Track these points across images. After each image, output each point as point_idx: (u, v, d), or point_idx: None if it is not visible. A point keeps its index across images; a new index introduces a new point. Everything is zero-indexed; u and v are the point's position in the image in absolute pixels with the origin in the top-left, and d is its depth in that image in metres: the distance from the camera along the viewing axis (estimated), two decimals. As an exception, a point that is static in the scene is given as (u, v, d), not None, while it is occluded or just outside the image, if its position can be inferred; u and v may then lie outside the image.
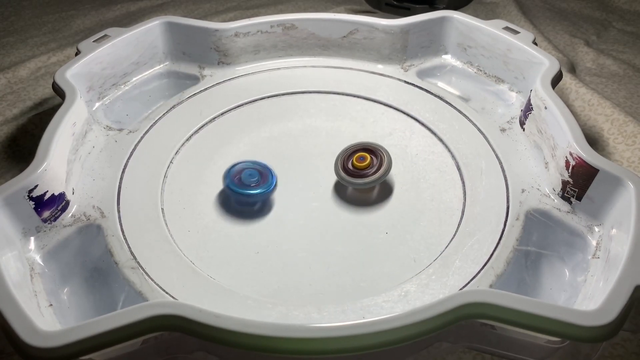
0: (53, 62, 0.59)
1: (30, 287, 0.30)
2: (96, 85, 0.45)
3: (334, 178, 0.40)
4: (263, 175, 0.37)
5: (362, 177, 0.37)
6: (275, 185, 0.37)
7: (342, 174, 0.37)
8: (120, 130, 0.42)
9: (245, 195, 0.36)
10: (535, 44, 0.45)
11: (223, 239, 0.36)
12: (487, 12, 0.70)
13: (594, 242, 0.34)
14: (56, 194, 0.34)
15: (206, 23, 0.48)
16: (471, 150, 0.41)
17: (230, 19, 0.66)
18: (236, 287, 0.32)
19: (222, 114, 0.45)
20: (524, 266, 0.34)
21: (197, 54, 0.49)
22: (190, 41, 0.48)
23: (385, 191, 0.39)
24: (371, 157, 0.37)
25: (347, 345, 0.25)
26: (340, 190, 0.39)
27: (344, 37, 0.49)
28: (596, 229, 0.34)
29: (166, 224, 0.36)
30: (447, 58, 0.50)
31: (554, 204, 0.36)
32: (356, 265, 0.34)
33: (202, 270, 0.33)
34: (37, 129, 0.49)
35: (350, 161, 0.38)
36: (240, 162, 0.38)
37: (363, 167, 0.37)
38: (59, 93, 0.40)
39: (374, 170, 0.37)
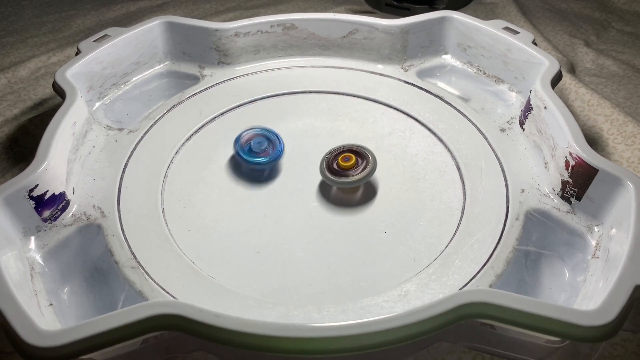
0: (53, 62, 0.59)
1: (31, 286, 0.31)
2: (96, 84, 0.45)
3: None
4: (271, 142, 0.39)
5: (346, 177, 0.37)
6: (282, 152, 0.39)
7: (327, 173, 0.38)
8: (121, 130, 0.42)
9: (254, 163, 0.39)
10: (535, 44, 0.45)
11: (223, 239, 0.36)
12: (487, 12, 0.70)
13: (593, 242, 0.34)
14: (56, 193, 0.34)
15: (206, 23, 0.48)
16: (471, 150, 0.41)
17: (230, 19, 0.66)
18: (236, 286, 0.32)
19: (222, 114, 0.45)
20: (523, 266, 0.34)
21: (197, 54, 0.49)
22: (190, 41, 0.48)
23: (384, 191, 0.39)
24: (356, 158, 0.38)
25: (347, 345, 0.25)
26: (340, 190, 0.39)
27: (344, 37, 0.49)
28: (596, 229, 0.34)
29: (166, 224, 0.36)
30: (447, 58, 0.50)
31: (554, 204, 0.36)
32: (356, 265, 0.34)
33: (202, 270, 0.33)
34: (37, 129, 0.49)
35: (336, 161, 0.38)
36: (249, 129, 0.40)
37: (347, 167, 0.37)
38: (59, 93, 0.40)
39: (358, 170, 0.37)
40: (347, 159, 0.37)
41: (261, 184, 0.39)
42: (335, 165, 0.38)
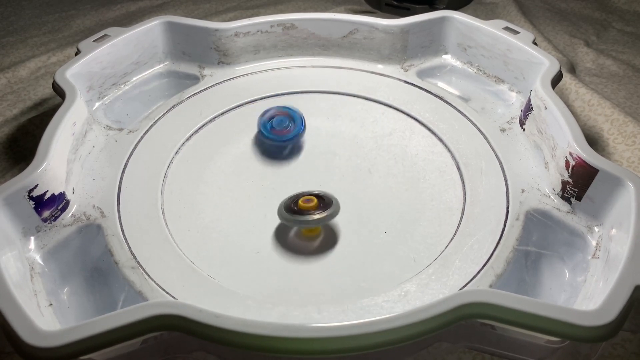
0: (53, 62, 0.59)
1: (30, 286, 0.30)
2: (96, 84, 0.45)
3: (332, 178, 0.40)
4: (293, 119, 0.41)
5: (305, 216, 0.34)
6: (304, 127, 0.41)
7: (284, 212, 0.35)
8: (120, 130, 0.42)
9: (279, 141, 0.40)
10: (535, 44, 0.45)
11: (223, 239, 0.36)
12: (487, 12, 0.70)
13: (593, 242, 0.34)
14: (56, 193, 0.34)
15: (206, 23, 0.48)
16: (471, 150, 0.41)
17: (230, 19, 0.66)
18: (236, 287, 0.32)
19: (222, 114, 0.45)
20: (523, 266, 0.34)
21: (197, 54, 0.49)
22: (190, 41, 0.48)
23: (384, 191, 0.39)
24: (318, 202, 0.35)
25: (347, 345, 0.25)
26: (339, 191, 0.39)
27: (344, 37, 0.49)
28: (596, 229, 0.34)
29: (166, 224, 0.36)
30: (447, 58, 0.50)
31: (554, 204, 0.36)
32: (356, 265, 0.34)
33: (202, 270, 0.33)
34: (37, 129, 0.49)
35: (296, 203, 0.35)
36: (270, 109, 0.41)
37: (308, 207, 0.34)
38: (59, 93, 0.40)
39: (318, 211, 0.34)
40: (309, 201, 0.35)
41: (261, 185, 0.39)
42: (295, 206, 0.35)
